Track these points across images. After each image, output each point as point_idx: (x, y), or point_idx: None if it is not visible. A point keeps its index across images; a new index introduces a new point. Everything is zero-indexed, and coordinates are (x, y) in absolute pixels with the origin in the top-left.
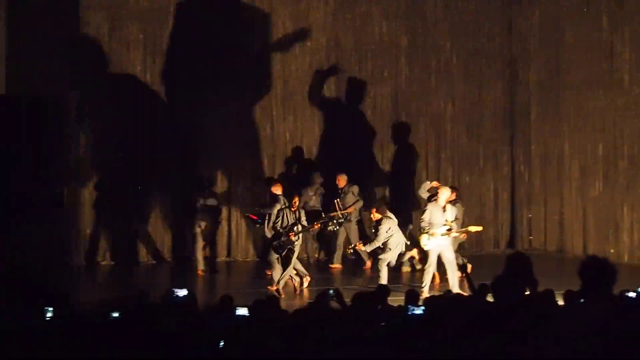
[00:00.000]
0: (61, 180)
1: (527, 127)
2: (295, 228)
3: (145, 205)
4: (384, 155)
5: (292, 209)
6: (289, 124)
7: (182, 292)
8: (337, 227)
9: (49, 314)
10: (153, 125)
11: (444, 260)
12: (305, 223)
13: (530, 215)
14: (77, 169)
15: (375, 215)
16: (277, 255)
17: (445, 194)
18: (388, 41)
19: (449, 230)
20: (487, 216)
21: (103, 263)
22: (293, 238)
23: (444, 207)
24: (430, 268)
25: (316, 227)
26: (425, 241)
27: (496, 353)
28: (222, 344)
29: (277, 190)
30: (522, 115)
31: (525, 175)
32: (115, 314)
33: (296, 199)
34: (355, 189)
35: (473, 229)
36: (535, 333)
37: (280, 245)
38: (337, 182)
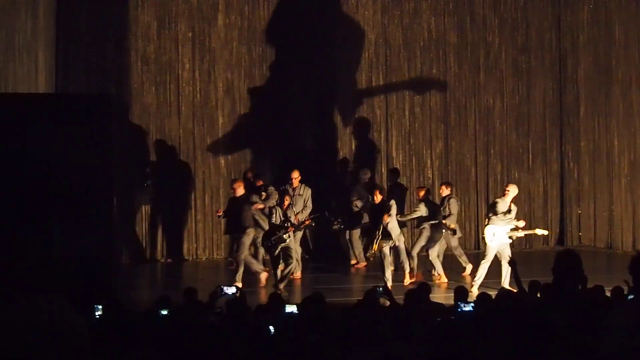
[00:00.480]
0: (111, 176)
1: (576, 123)
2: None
3: (194, 203)
4: (433, 152)
5: (284, 207)
6: (337, 122)
7: (231, 290)
8: (342, 226)
9: (98, 312)
10: (202, 124)
11: (502, 257)
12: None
13: (579, 212)
14: (125, 166)
15: (379, 197)
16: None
17: (512, 191)
18: (437, 38)
19: (515, 229)
20: (536, 213)
21: (152, 260)
22: (285, 237)
23: (509, 207)
24: (486, 264)
25: (307, 223)
26: (490, 237)
27: (548, 350)
28: (272, 329)
29: (239, 188)
30: (571, 112)
31: (574, 172)
32: (164, 312)
33: (287, 198)
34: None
35: (539, 232)
36: (587, 329)
37: (272, 244)
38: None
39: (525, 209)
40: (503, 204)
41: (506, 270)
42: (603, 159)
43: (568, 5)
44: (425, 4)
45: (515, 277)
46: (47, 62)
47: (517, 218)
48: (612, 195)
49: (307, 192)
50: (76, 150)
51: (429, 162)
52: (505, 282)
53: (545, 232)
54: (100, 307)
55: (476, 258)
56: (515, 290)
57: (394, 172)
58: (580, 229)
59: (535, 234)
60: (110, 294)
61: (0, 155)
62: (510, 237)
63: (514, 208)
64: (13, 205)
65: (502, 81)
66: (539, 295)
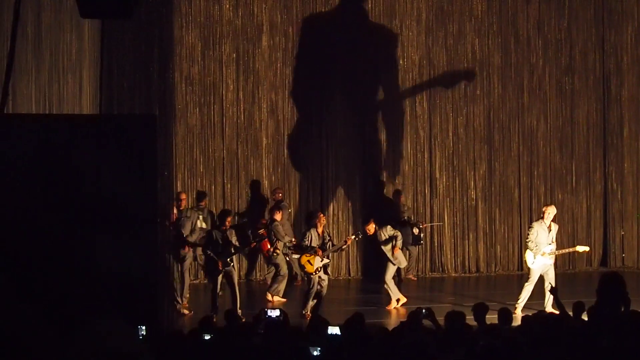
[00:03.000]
0: (155, 196)
1: (620, 144)
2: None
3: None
4: (476, 173)
5: (223, 228)
6: (381, 143)
7: (275, 313)
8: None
9: (142, 332)
10: (246, 145)
11: (546, 279)
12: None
13: (623, 233)
14: (168, 187)
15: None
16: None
17: (551, 213)
18: (481, 59)
19: (557, 248)
20: (579, 234)
21: (195, 282)
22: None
23: (549, 227)
24: (530, 286)
25: (349, 240)
26: (531, 260)
27: None
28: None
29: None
30: (615, 132)
31: (618, 193)
32: (207, 335)
33: (229, 219)
34: None
35: (581, 248)
36: (633, 351)
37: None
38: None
39: (569, 230)
40: (541, 228)
41: (549, 294)
42: None
43: (612, 25)
44: (470, 25)
45: (557, 302)
46: (91, 82)
47: (559, 238)
48: None
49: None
50: (121, 170)
51: (472, 183)
52: (548, 305)
53: (587, 249)
54: (143, 327)
55: (520, 279)
56: (557, 313)
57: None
58: (624, 250)
59: (577, 251)
60: (155, 315)
61: (45, 176)
62: (553, 256)
63: (554, 227)
64: (57, 226)
65: (546, 102)
66: (583, 317)
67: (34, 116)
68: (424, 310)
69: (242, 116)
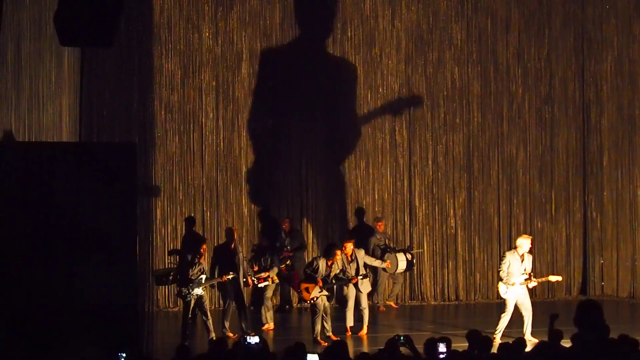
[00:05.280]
0: (135, 224)
1: (599, 173)
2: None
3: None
4: (456, 201)
5: (201, 259)
6: (360, 171)
7: (254, 339)
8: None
9: None
10: (226, 173)
11: (522, 308)
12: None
13: (602, 262)
14: (149, 214)
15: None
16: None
17: (525, 244)
18: (460, 87)
19: (528, 279)
20: (559, 262)
21: (175, 309)
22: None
23: (522, 256)
24: (506, 316)
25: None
26: (503, 290)
27: None
28: None
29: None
30: (595, 161)
31: (597, 221)
32: None
33: (204, 246)
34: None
35: (553, 278)
36: None
37: (185, 293)
38: (377, 228)
39: (548, 259)
40: (513, 258)
41: (527, 321)
42: (626, 209)
43: (592, 55)
44: (449, 54)
45: (550, 329)
46: (71, 110)
47: (537, 266)
48: (635, 244)
49: (360, 255)
50: (101, 198)
51: (452, 211)
52: (527, 332)
53: (559, 278)
54: (124, 355)
55: (499, 307)
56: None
57: (359, 212)
58: (603, 279)
59: (549, 281)
60: (134, 342)
61: (25, 204)
62: (526, 287)
63: (527, 257)
64: (38, 252)
65: (525, 131)
66: (562, 345)
67: (13, 144)
68: (401, 338)
69: (222, 144)
